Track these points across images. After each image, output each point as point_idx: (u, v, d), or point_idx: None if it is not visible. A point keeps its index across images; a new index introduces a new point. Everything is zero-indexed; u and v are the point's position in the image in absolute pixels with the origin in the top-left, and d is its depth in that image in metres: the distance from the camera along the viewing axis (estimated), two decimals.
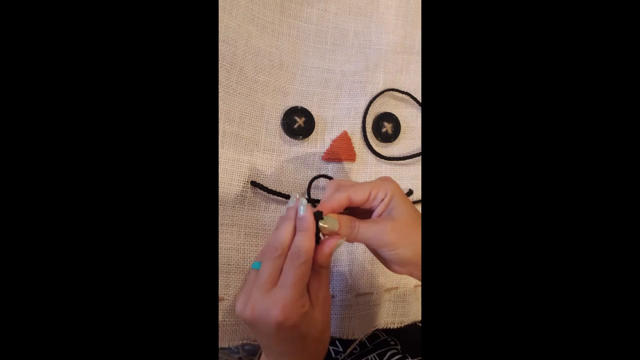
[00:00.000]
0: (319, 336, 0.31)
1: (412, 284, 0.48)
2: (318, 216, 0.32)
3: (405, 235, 0.31)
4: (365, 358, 0.43)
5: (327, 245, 0.32)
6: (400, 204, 0.33)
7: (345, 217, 0.33)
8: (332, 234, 0.32)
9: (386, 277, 0.46)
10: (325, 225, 0.32)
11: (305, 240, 0.31)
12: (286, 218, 0.33)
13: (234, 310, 0.31)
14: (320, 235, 0.33)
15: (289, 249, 0.31)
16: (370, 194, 0.33)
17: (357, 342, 0.45)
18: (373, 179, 0.48)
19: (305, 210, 0.32)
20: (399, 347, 0.44)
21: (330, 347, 0.48)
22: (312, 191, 0.45)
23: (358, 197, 0.33)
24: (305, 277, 0.30)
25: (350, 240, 0.33)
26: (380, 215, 0.33)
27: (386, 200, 0.33)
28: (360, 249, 0.46)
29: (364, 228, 0.33)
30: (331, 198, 0.33)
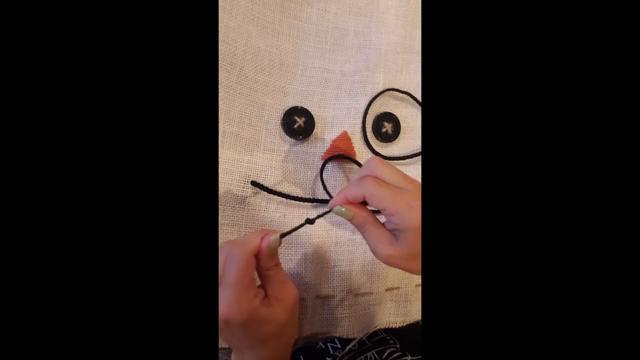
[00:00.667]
0: (279, 333, 0.31)
1: (413, 284, 0.48)
2: (311, 222, 0.34)
3: (401, 263, 0.31)
4: (364, 355, 0.43)
5: (262, 246, 0.31)
6: (410, 238, 0.30)
7: (361, 214, 0.33)
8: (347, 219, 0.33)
9: (387, 277, 0.46)
10: (342, 209, 0.33)
11: (249, 237, 0.31)
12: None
13: None
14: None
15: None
16: (386, 210, 0.31)
17: (357, 340, 0.45)
18: None
19: (273, 239, 0.32)
20: (398, 345, 0.44)
21: (329, 344, 0.48)
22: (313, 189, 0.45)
23: (373, 203, 0.32)
24: (246, 274, 0.29)
25: (359, 228, 0.34)
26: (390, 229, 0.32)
27: (398, 229, 0.31)
28: (360, 249, 0.46)
29: (369, 235, 0.32)
30: (349, 189, 0.33)
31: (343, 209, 0.33)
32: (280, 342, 0.32)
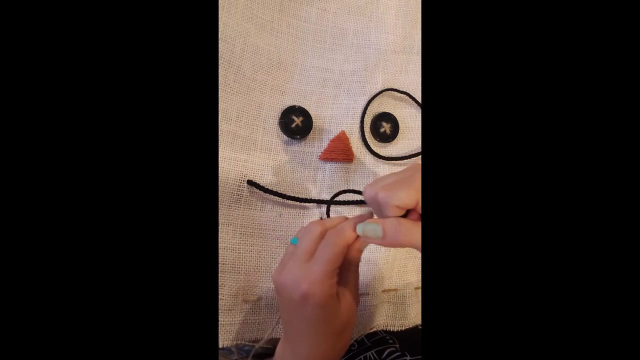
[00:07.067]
0: (339, 330, 0.31)
1: (412, 286, 0.48)
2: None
3: None
4: (364, 355, 0.43)
5: (359, 240, 0.31)
6: None
7: (390, 223, 0.28)
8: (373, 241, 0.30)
9: (383, 279, 0.46)
10: (368, 235, 0.29)
11: (350, 226, 0.31)
12: (344, 217, 0.33)
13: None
14: None
15: None
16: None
17: (353, 340, 0.45)
18: (371, 179, 0.48)
19: (369, 217, 0.31)
20: (397, 345, 0.44)
21: None
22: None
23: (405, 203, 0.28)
24: (338, 260, 0.30)
25: (395, 245, 0.29)
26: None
27: None
28: None
29: (409, 233, 0.28)
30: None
31: (367, 234, 0.29)
32: (336, 342, 0.31)
